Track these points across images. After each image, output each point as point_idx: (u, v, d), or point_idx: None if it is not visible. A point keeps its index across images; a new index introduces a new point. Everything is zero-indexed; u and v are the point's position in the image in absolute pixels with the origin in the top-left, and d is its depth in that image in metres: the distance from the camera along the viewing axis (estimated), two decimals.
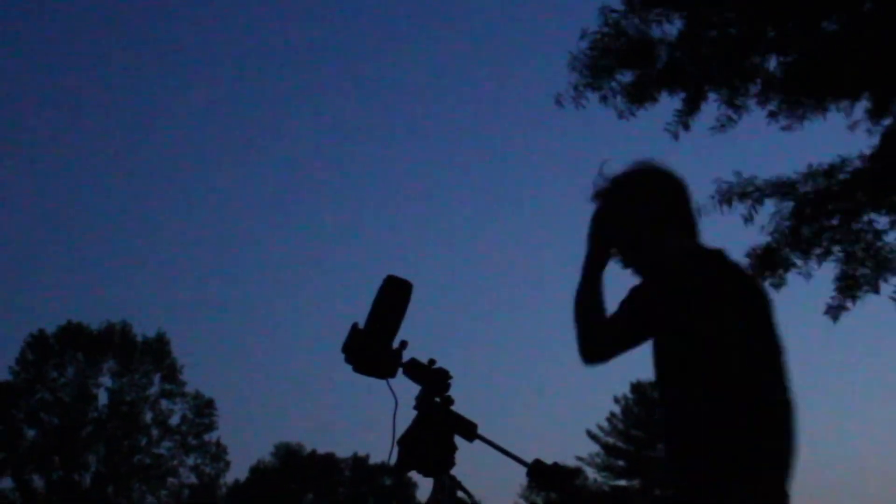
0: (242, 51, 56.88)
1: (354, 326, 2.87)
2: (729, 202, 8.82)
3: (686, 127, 8.72)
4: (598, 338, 2.88)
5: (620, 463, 40.76)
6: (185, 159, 55.65)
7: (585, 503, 39.48)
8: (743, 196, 8.84)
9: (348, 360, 2.95)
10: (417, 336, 2.93)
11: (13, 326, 59.05)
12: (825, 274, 8.98)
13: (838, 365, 53.62)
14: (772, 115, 8.73)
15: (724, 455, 2.59)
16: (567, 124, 61.54)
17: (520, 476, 2.79)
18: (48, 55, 55.30)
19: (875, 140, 8.80)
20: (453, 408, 2.84)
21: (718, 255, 2.84)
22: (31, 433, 39.60)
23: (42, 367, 40.03)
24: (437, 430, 2.80)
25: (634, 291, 2.83)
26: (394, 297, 2.91)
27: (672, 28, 8.68)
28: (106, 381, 40.87)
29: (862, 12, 8.52)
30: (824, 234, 8.91)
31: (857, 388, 54.47)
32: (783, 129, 8.78)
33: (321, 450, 49.36)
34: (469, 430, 2.80)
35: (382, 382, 2.90)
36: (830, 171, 8.89)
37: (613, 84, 8.73)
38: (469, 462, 3.02)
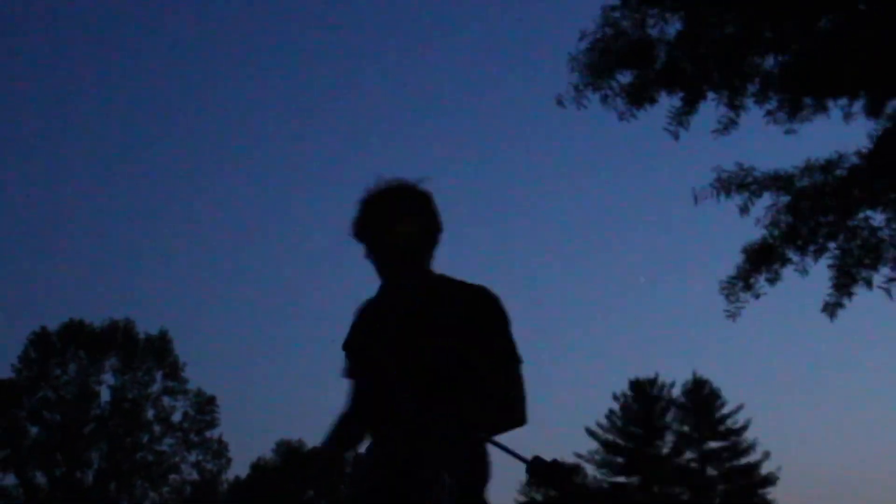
0: (244, 51, 56.98)
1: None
2: (727, 192, 8.91)
3: (686, 126, 8.82)
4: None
5: (619, 460, 40.80)
6: (189, 156, 55.75)
7: (585, 500, 39.56)
8: (741, 187, 8.91)
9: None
10: None
11: (16, 324, 59.14)
12: (820, 271, 9.04)
13: (835, 359, 53.63)
14: (770, 113, 8.79)
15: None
16: (567, 124, 61.61)
17: (519, 473, 2.89)
18: (50, 52, 55.39)
19: (872, 138, 8.90)
20: None
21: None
22: (33, 430, 39.70)
23: (45, 364, 40.10)
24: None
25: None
26: None
27: (670, 28, 8.76)
28: (108, 378, 41.00)
29: (857, 12, 8.61)
30: (820, 230, 8.93)
31: (852, 382, 54.44)
32: (786, 132, 8.81)
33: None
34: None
35: None
36: (827, 166, 8.93)
37: (613, 84, 8.81)
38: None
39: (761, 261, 9.00)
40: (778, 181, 8.96)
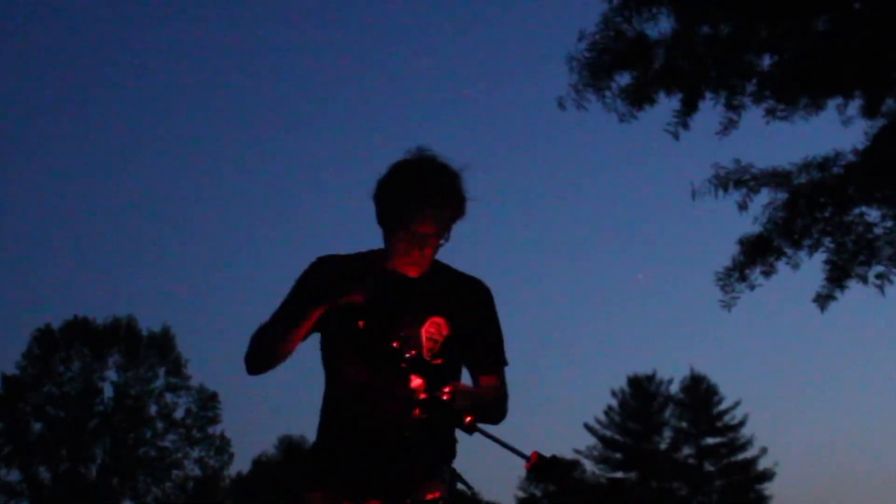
0: (246, 50, 57.04)
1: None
2: (725, 188, 8.98)
3: (685, 126, 8.91)
4: None
5: (618, 455, 40.93)
6: (192, 154, 55.76)
7: (583, 495, 39.67)
8: (739, 183, 8.96)
9: None
10: None
11: (20, 321, 59.24)
12: (820, 269, 9.09)
13: (833, 356, 53.73)
14: (768, 112, 8.86)
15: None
16: (567, 123, 61.68)
17: (519, 468, 2.92)
18: (52, 51, 55.49)
19: (868, 136, 8.99)
20: None
21: None
22: (37, 426, 39.76)
23: (48, 361, 40.19)
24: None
25: None
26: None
27: (665, 27, 8.82)
28: (111, 375, 41.07)
29: (852, 11, 8.72)
30: (816, 226, 9.00)
31: (850, 379, 54.55)
32: (784, 119, 8.82)
33: None
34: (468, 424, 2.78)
35: None
36: (824, 163, 8.99)
37: (612, 85, 8.86)
38: (468, 454, 3.11)
39: (757, 253, 9.06)
40: (776, 177, 9.00)
